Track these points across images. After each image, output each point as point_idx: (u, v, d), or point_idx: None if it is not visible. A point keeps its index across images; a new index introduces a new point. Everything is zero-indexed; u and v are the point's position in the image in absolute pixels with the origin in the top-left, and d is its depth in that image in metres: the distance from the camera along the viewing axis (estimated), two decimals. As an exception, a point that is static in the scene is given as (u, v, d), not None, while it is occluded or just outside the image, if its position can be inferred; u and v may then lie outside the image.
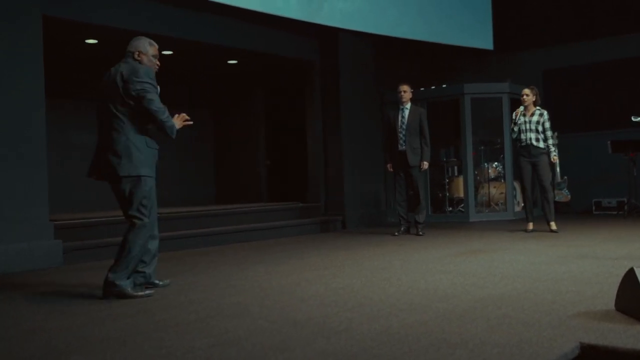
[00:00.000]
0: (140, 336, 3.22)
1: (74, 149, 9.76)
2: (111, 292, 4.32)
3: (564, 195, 9.81)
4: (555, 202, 9.34)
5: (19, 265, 6.05)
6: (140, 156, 4.39)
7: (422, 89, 10.85)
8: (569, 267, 5.03)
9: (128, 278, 4.38)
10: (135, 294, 4.35)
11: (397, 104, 8.42)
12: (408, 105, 8.31)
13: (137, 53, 4.55)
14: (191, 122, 4.65)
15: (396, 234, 8.34)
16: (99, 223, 7.21)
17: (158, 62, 4.67)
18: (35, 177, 6.33)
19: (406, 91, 8.30)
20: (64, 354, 2.93)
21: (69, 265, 6.36)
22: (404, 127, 8.24)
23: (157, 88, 4.47)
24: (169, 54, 8.98)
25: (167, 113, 4.42)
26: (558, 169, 9.82)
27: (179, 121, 4.58)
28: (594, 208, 10.98)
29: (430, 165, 8.60)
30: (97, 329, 3.43)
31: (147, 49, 4.58)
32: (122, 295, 4.30)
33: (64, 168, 9.21)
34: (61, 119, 9.20)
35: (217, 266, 5.89)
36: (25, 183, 6.23)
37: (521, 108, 7.85)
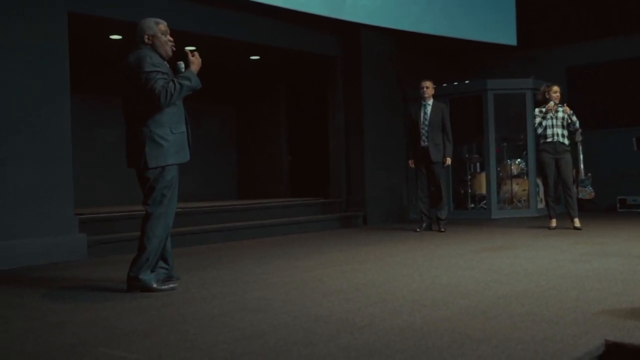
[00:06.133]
0: (165, 329, 3.25)
1: (98, 144, 9.87)
2: (135, 286, 4.35)
3: (587, 193, 9.72)
4: (579, 200, 9.27)
5: (45, 258, 6.14)
6: (165, 145, 4.32)
7: (444, 84, 10.80)
8: (593, 265, 4.99)
9: (152, 271, 4.41)
10: (159, 287, 4.38)
11: (419, 100, 8.41)
12: (430, 101, 8.30)
13: (147, 37, 4.40)
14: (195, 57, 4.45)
15: (418, 230, 8.32)
16: (123, 217, 7.27)
17: (170, 38, 4.49)
18: (60, 171, 6.40)
19: (428, 87, 8.30)
20: (90, 346, 2.97)
21: (93, 258, 6.43)
22: (426, 123, 8.23)
23: (164, 73, 4.31)
24: (192, 50, 9.02)
25: (169, 92, 4.21)
26: (582, 166, 9.74)
27: (194, 65, 4.41)
28: (618, 205, 10.87)
29: (452, 162, 8.58)
30: (122, 321, 3.47)
31: (154, 29, 4.41)
32: (146, 289, 4.33)
33: (88, 162, 9.31)
34: (85, 114, 9.29)
35: (240, 261, 5.92)
36: (50, 177, 6.31)
37: (551, 104, 7.76)
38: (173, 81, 4.31)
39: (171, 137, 4.37)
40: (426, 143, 8.20)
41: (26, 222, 6.09)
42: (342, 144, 10.21)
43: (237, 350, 2.81)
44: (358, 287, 4.30)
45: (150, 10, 7.57)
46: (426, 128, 8.22)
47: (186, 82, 4.35)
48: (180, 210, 4.87)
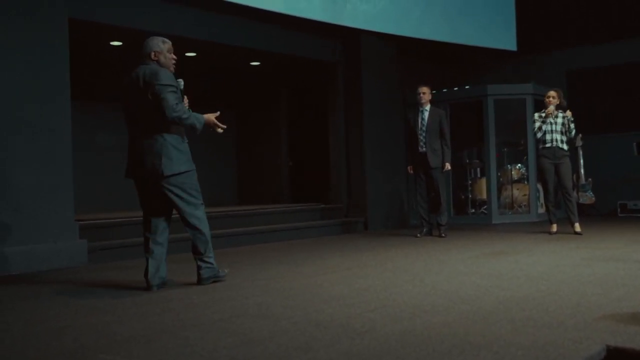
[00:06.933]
0: (165, 335, 3.25)
1: (99, 150, 9.87)
2: (208, 277, 4.81)
3: (588, 197, 9.73)
4: (580, 204, 9.26)
5: (45, 264, 6.14)
6: (179, 153, 4.60)
7: (444, 90, 10.82)
8: (593, 270, 4.99)
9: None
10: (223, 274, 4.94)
11: (417, 105, 8.41)
12: (427, 107, 8.29)
13: (153, 53, 4.68)
14: (220, 130, 4.78)
15: (418, 235, 8.32)
16: (123, 223, 7.27)
17: (174, 57, 4.79)
18: (61, 177, 6.41)
19: (425, 93, 8.28)
20: (91, 352, 2.97)
21: (93, 264, 6.43)
22: (423, 129, 8.22)
23: (177, 89, 4.59)
24: (193, 56, 9.04)
25: (179, 112, 4.45)
26: (583, 171, 9.75)
27: (211, 117, 4.71)
28: (619, 210, 10.86)
29: (452, 167, 8.58)
30: (123, 327, 3.47)
31: (161, 47, 4.70)
32: (216, 279, 4.86)
33: (88, 168, 9.31)
34: (86, 120, 9.29)
35: (240, 266, 5.91)
36: (51, 183, 6.31)
37: (551, 108, 7.76)
38: (189, 111, 4.61)
39: (183, 146, 4.66)
40: (424, 149, 8.19)
41: (26, 227, 6.09)
42: (343, 149, 10.22)
43: (237, 356, 2.80)
44: (359, 293, 4.30)
45: (150, 16, 7.61)
46: (424, 134, 8.21)
47: (195, 120, 4.58)
48: (175, 215, 4.95)
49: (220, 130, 4.77)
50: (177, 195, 4.62)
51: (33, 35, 6.26)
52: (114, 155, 9.86)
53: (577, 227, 7.82)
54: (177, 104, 4.48)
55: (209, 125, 4.70)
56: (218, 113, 4.79)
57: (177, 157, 4.57)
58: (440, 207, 8.29)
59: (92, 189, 9.42)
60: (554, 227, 8.01)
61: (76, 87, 6.80)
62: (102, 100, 9.75)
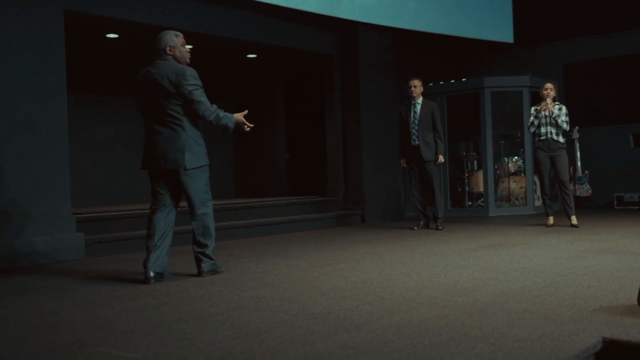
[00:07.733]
0: (162, 328, 3.25)
1: (95, 143, 9.86)
2: (208, 271, 4.91)
3: (585, 190, 9.75)
4: (577, 197, 9.28)
5: (43, 257, 6.14)
6: (200, 148, 4.76)
7: (441, 82, 10.80)
8: (590, 262, 5.00)
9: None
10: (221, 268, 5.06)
11: (409, 98, 8.39)
12: (419, 100, 8.26)
13: (168, 48, 4.77)
14: (248, 129, 4.93)
15: (415, 228, 8.33)
16: (120, 216, 7.28)
17: (188, 50, 4.90)
18: (57, 170, 6.40)
19: (417, 86, 8.24)
20: (88, 345, 2.97)
21: (90, 257, 6.43)
22: (416, 122, 8.21)
23: (202, 87, 4.73)
24: (189, 48, 9.00)
25: (215, 112, 4.70)
26: (579, 163, 9.76)
27: (240, 116, 4.88)
28: (615, 203, 10.88)
29: (449, 160, 8.57)
30: (120, 320, 3.47)
31: (175, 41, 4.81)
32: (215, 271, 4.96)
33: (85, 161, 9.30)
34: (82, 113, 9.28)
35: (237, 259, 5.92)
36: (48, 176, 6.30)
37: (549, 101, 7.75)
38: (222, 112, 4.81)
39: (202, 142, 4.80)
40: (417, 142, 8.18)
41: (24, 221, 6.09)
42: (340, 142, 10.22)
43: (234, 349, 2.81)
44: (356, 285, 4.30)
45: (147, 8, 7.58)
46: (416, 127, 8.20)
47: (228, 120, 4.83)
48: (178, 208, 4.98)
49: (247, 128, 4.90)
50: (192, 188, 4.73)
51: (31, 34, 6.22)
52: (110, 148, 9.87)
53: (574, 219, 7.83)
54: (211, 104, 4.69)
55: (237, 125, 4.84)
56: (246, 112, 4.94)
57: (197, 152, 4.72)
58: (435, 200, 8.29)
59: (88, 181, 9.41)
60: (551, 220, 8.02)
61: (72, 79, 6.78)
62: (99, 92, 9.73)
